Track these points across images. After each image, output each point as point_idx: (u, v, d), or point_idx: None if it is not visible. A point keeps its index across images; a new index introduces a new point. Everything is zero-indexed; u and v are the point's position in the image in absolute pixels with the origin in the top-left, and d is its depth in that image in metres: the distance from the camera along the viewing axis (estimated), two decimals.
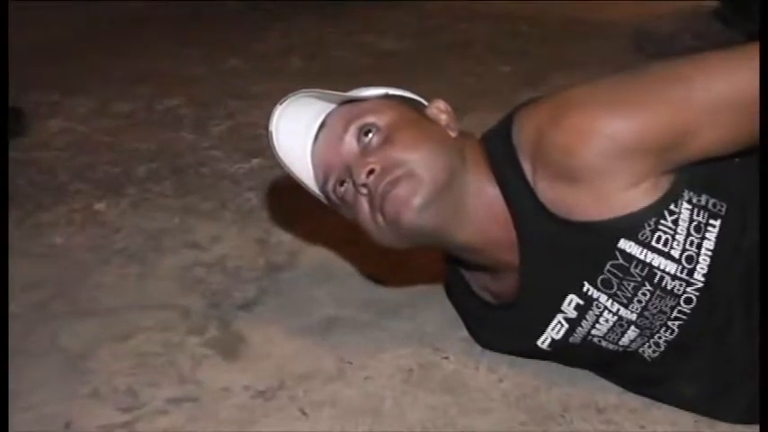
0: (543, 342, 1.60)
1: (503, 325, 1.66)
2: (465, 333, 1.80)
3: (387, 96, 1.60)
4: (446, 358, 1.76)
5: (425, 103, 1.64)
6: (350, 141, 1.55)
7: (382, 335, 1.84)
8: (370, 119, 1.54)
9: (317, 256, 2.13)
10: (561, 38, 3.76)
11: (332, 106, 1.58)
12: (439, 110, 1.61)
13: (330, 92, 1.56)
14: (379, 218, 1.52)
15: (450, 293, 1.86)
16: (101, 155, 2.75)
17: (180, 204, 2.42)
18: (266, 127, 1.56)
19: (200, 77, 3.47)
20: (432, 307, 1.90)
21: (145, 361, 1.77)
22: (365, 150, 1.53)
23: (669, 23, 3.81)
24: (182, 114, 3.08)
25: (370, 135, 1.53)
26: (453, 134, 1.58)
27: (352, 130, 1.54)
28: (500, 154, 1.51)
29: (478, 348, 1.76)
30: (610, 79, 1.45)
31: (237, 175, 2.59)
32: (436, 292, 1.92)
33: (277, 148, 1.57)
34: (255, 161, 2.64)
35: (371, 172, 1.50)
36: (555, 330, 1.58)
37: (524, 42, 3.74)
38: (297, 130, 1.58)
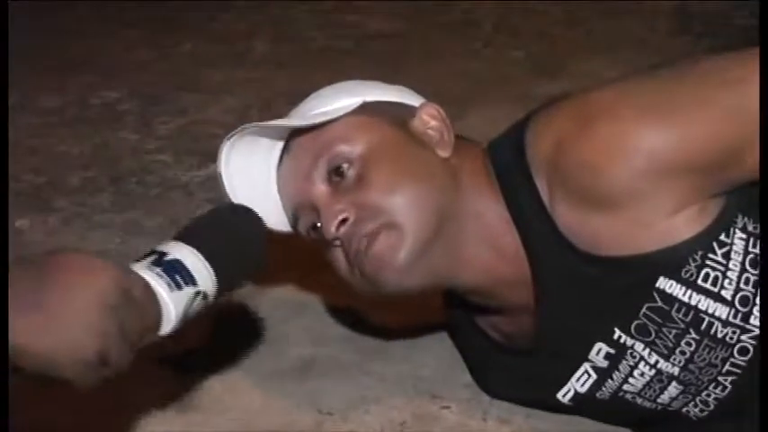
0: (565, 395, 1.61)
1: (517, 372, 1.67)
2: (469, 377, 1.82)
3: (363, 107, 1.57)
4: (447, 408, 1.77)
5: (415, 104, 1.62)
6: (319, 180, 1.54)
7: (369, 380, 1.85)
8: (341, 149, 1.53)
9: (288, 284, 2.14)
10: (586, 15, 3.79)
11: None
12: (429, 117, 1.59)
13: (285, 121, 1.56)
14: (358, 274, 1.52)
15: (454, 332, 1.87)
16: (23, 161, 2.76)
17: (121, 221, 2.44)
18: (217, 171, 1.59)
19: (146, 64, 3.48)
20: (428, 346, 1.92)
21: (81, 416, 1.76)
22: (336, 191, 1.52)
23: None
24: (123, 110, 3.10)
25: (342, 170, 1.52)
26: (445, 153, 1.56)
27: (321, 166, 1.53)
28: (510, 171, 1.51)
29: (486, 395, 1.78)
30: (646, 79, 1.46)
31: (191, 184, 2.61)
32: (433, 328, 1.93)
33: (230, 191, 1.58)
34: (213, 167, 2.64)
35: (343, 222, 1.50)
36: (580, 382, 1.59)
37: (541, 21, 3.77)
38: (253, 165, 1.58)
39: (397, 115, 1.59)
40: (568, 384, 1.60)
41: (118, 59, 3.53)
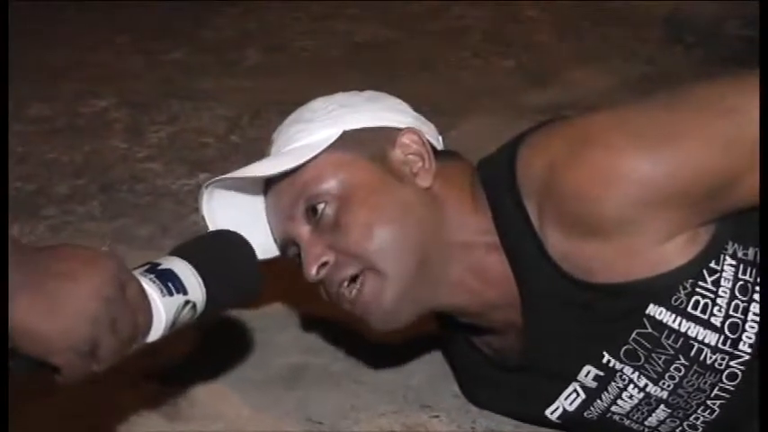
0: (553, 413, 1.62)
1: (506, 387, 1.68)
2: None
3: (342, 139, 1.56)
4: (436, 417, 1.78)
5: (401, 124, 1.60)
6: (299, 219, 1.55)
7: (359, 389, 1.86)
8: (318, 191, 1.53)
9: (277, 293, 2.13)
10: (577, 25, 3.79)
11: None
12: (410, 142, 1.57)
13: (261, 167, 1.56)
14: (344, 308, 1.56)
15: (446, 346, 1.87)
16: (12, 168, 2.75)
17: (110, 229, 2.44)
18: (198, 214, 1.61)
19: (136, 72, 3.48)
20: (418, 355, 1.92)
21: (68, 422, 1.78)
22: (317, 229, 1.53)
23: (711, 7, 3.84)
24: (112, 118, 3.10)
25: (320, 210, 1.53)
26: (426, 183, 1.55)
27: (300, 207, 1.55)
28: (501, 194, 1.51)
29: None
30: (643, 106, 1.46)
31: (181, 193, 2.61)
32: (423, 338, 1.93)
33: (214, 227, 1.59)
34: (203, 176, 2.65)
35: (324, 265, 1.52)
36: (569, 401, 1.59)
37: (532, 31, 3.77)
38: (236, 204, 1.60)
39: (376, 146, 1.57)
40: (557, 402, 1.60)
41: (107, 67, 3.53)
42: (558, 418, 1.62)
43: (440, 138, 1.67)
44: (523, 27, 3.80)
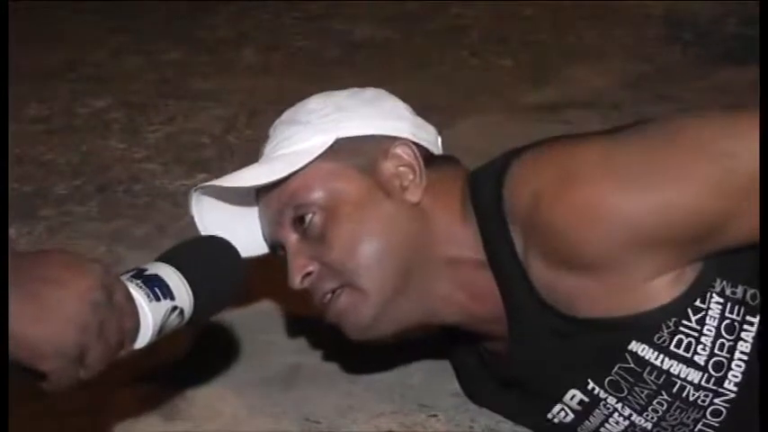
0: (555, 417, 1.61)
1: (507, 391, 1.67)
2: (457, 386, 1.82)
3: (333, 147, 1.55)
4: (434, 416, 1.78)
5: (395, 135, 1.58)
6: (287, 226, 1.56)
7: (356, 388, 1.86)
8: (306, 201, 1.53)
9: (274, 293, 2.14)
10: (575, 23, 3.80)
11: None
12: (402, 154, 1.56)
13: (248, 176, 1.56)
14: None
15: (446, 347, 1.86)
16: (10, 169, 2.75)
17: (108, 230, 2.44)
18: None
19: (133, 72, 3.49)
20: (415, 354, 1.92)
21: (65, 422, 1.78)
22: (304, 237, 1.54)
23: (709, 5, 3.85)
24: (110, 118, 3.10)
25: (307, 220, 1.53)
26: (415, 197, 1.54)
27: (288, 215, 1.55)
28: (488, 216, 1.49)
29: (473, 404, 1.79)
30: (633, 140, 1.42)
31: (178, 193, 2.60)
32: (420, 337, 1.93)
33: (203, 228, 1.60)
34: (201, 176, 2.66)
35: (308, 275, 1.54)
36: (562, 414, 1.59)
37: (530, 29, 3.78)
38: (226, 205, 1.61)
39: (368, 157, 1.56)
40: (554, 411, 1.59)
41: (104, 67, 3.54)
42: (557, 425, 1.61)
43: (439, 140, 1.66)
44: (521, 25, 3.80)
